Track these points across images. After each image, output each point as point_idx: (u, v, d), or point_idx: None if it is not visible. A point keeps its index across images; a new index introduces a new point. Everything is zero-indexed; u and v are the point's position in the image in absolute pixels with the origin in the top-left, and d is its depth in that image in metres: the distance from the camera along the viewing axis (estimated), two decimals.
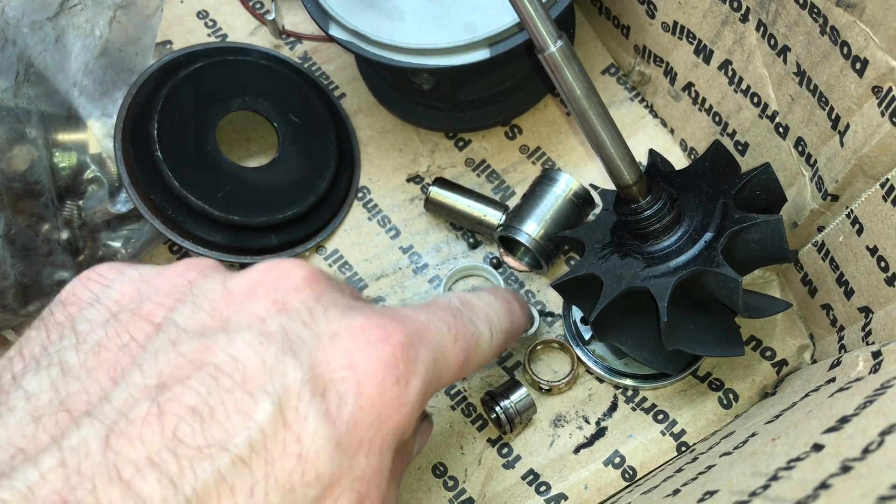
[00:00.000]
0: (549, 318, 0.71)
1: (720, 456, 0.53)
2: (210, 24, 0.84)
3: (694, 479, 0.51)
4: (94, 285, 0.40)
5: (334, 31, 0.68)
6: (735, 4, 0.61)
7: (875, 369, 0.49)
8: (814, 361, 0.66)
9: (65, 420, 0.33)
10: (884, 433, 0.35)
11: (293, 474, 0.33)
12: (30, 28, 0.62)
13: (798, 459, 0.40)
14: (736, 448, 0.52)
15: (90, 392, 0.34)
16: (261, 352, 0.35)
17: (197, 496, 0.31)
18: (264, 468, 0.33)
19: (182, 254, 0.75)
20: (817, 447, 0.40)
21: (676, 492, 0.51)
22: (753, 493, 0.40)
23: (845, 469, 0.34)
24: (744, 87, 0.64)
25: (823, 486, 0.34)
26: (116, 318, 0.37)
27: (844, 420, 0.41)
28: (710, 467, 0.52)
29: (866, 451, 0.35)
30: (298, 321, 0.37)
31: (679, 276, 0.56)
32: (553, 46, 0.52)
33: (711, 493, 0.45)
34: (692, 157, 0.74)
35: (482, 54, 0.65)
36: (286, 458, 0.33)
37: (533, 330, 0.69)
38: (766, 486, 0.39)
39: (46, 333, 0.38)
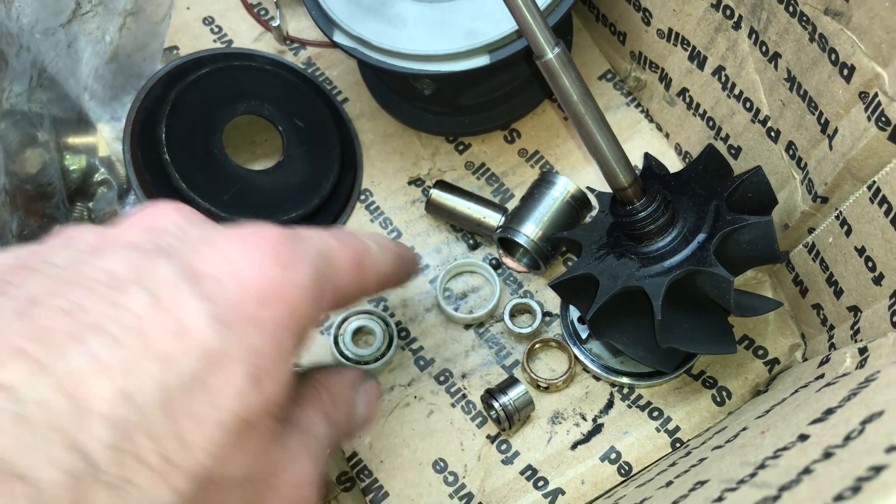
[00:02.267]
0: (548, 318, 0.73)
1: (712, 449, 0.55)
2: (216, 30, 0.85)
3: (686, 471, 0.53)
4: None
5: (338, 38, 0.69)
6: (728, 12, 0.63)
7: (861, 364, 0.50)
8: (805, 360, 0.68)
9: None
10: (864, 422, 0.37)
11: (171, 347, 0.33)
12: (43, 34, 0.64)
13: (784, 449, 0.42)
14: (727, 442, 0.54)
15: None
16: (132, 260, 0.35)
17: (70, 377, 0.31)
18: (140, 345, 0.33)
19: None
20: (803, 437, 0.41)
21: (669, 483, 0.52)
22: (741, 481, 0.41)
23: (827, 455, 0.36)
24: (736, 92, 0.66)
25: (806, 471, 0.36)
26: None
27: (829, 412, 0.43)
28: (701, 460, 0.53)
29: (847, 438, 0.36)
30: (170, 236, 0.38)
31: (673, 276, 0.58)
32: (550, 53, 0.53)
33: (702, 482, 0.46)
34: (686, 160, 0.76)
35: (482, 60, 0.67)
36: (163, 334, 0.33)
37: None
38: (753, 474, 0.41)
39: None
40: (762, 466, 0.42)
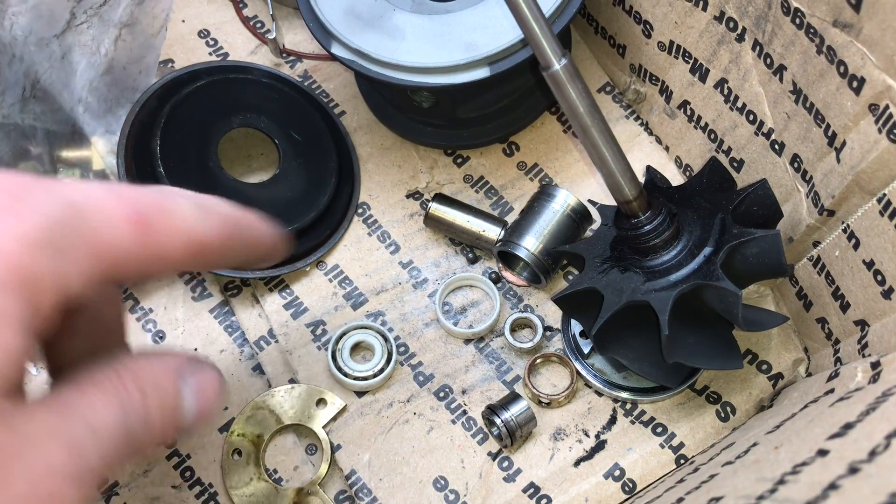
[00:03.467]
0: (549, 333, 0.72)
1: (722, 465, 0.54)
2: (211, 42, 0.84)
3: (697, 487, 0.52)
4: None
5: (336, 50, 0.69)
6: (731, 24, 0.63)
7: (874, 379, 0.50)
8: (809, 374, 0.67)
9: None
10: (890, 436, 0.36)
11: None
12: (37, 45, 0.63)
13: (804, 464, 0.41)
14: (738, 458, 0.53)
15: None
16: None
17: None
18: None
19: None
20: (822, 452, 0.41)
21: (680, 500, 0.51)
22: (760, 497, 0.40)
23: (853, 470, 0.35)
24: (739, 105, 0.66)
25: (832, 486, 0.35)
26: None
27: (848, 426, 0.42)
28: (712, 476, 0.53)
29: (873, 453, 0.36)
30: None
31: (679, 290, 0.57)
32: (557, 64, 0.53)
33: (717, 499, 0.45)
34: (687, 173, 0.76)
35: (482, 73, 0.66)
36: None
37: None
38: (773, 490, 0.40)
39: None
40: (781, 482, 0.41)
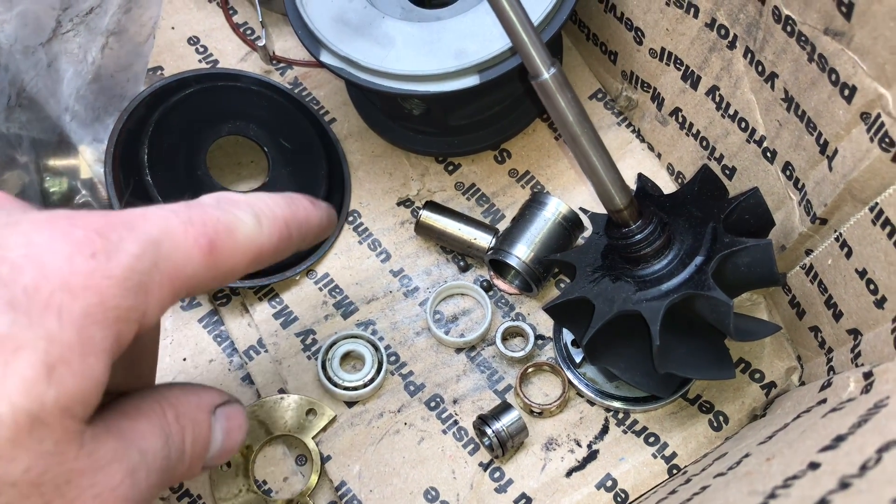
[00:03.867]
0: (540, 342, 0.71)
1: (714, 477, 0.53)
2: (201, 49, 0.84)
3: (689, 499, 0.52)
4: None
5: (325, 58, 0.68)
6: (722, 32, 0.63)
7: (867, 389, 0.49)
8: (802, 383, 0.67)
9: None
10: (881, 450, 0.36)
11: None
12: (22, 53, 0.62)
13: (795, 478, 0.40)
14: (730, 469, 0.53)
15: None
16: None
17: None
18: None
19: None
20: (813, 465, 0.40)
21: None
22: None
23: (844, 486, 0.35)
24: (731, 112, 0.65)
25: (823, 502, 0.34)
26: None
27: (840, 439, 0.42)
28: (704, 488, 0.52)
29: (864, 468, 0.35)
30: None
31: (671, 300, 0.57)
32: (546, 74, 0.52)
33: None
34: (679, 181, 0.75)
35: (472, 80, 0.66)
36: None
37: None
38: None
39: None
40: (773, 496, 0.40)
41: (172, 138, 0.72)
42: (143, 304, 0.36)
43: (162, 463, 0.39)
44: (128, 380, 0.44)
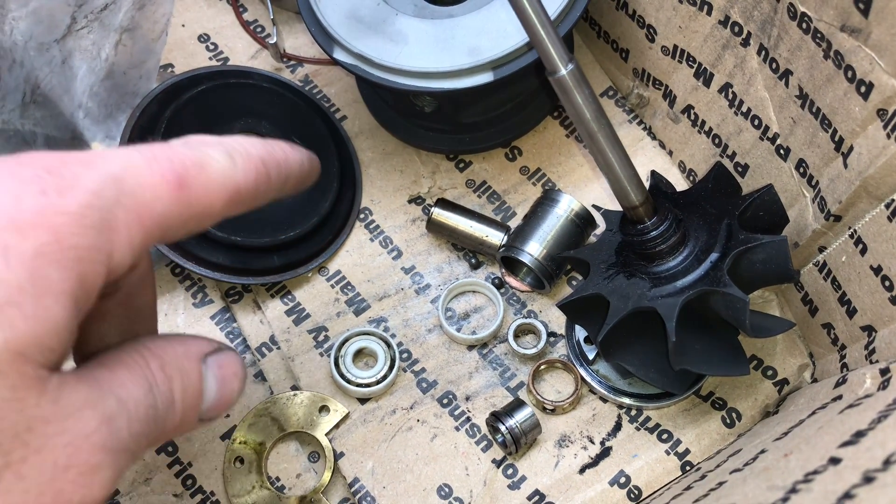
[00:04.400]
0: (552, 339, 0.71)
1: (730, 473, 0.54)
2: (211, 47, 0.84)
3: (705, 495, 0.52)
4: None
5: (338, 55, 0.68)
6: (736, 29, 0.63)
7: (884, 386, 0.49)
8: (814, 380, 0.67)
9: None
10: None
11: None
12: (37, 50, 0.62)
13: (815, 472, 0.40)
14: (746, 465, 0.53)
15: None
16: None
17: None
18: None
19: (184, 275, 0.75)
20: (834, 460, 0.40)
21: None
22: None
23: (868, 479, 0.35)
24: (744, 109, 0.65)
25: (847, 496, 0.35)
26: None
27: (860, 434, 0.42)
28: (721, 483, 0.52)
29: (888, 462, 0.35)
30: None
31: (686, 296, 0.57)
32: (564, 70, 0.52)
33: None
34: (691, 178, 0.75)
35: (485, 77, 0.66)
36: None
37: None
38: (785, 499, 0.40)
39: None
40: (794, 490, 0.40)
41: (185, 135, 0.71)
42: (107, 243, 0.34)
43: (147, 412, 0.36)
44: (124, 340, 0.41)
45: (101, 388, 0.35)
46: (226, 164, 0.39)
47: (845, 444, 0.42)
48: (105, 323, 0.41)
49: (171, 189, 0.36)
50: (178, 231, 0.37)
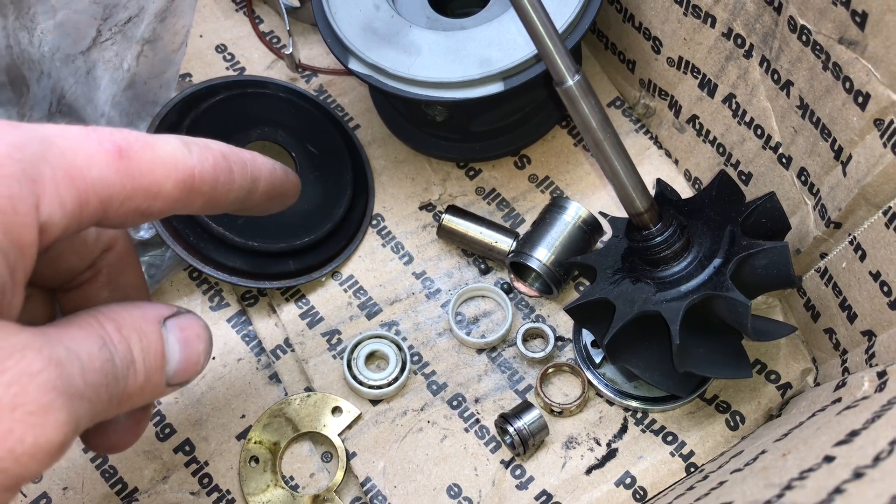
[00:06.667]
0: (560, 343, 0.73)
1: (731, 472, 0.55)
2: (228, 57, 0.86)
3: (706, 494, 0.53)
4: None
5: (354, 66, 0.70)
6: (739, 41, 0.64)
7: (881, 388, 0.51)
8: (817, 384, 0.68)
9: None
10: (893, 442, 0.37)
11: None
12: (63, 61, 0.64)
13: (810, 470, 0.42)
14: (746, 465, 0.54)
15: None
16: None
17: None
18: None
19: (202, 279, 0.77)
20: (828, 459, 0.42)
21: None
22: (768, 502, 0.42)
23: (858, 475, 0.36)
24: (747, 119, 0.67)
25: (837, 490, 0.36)
26: None
27: (854, 434, 0.43)
28: (721, 483, 0.54)
29: (877, 459, 0.37)
30: None
31: (690, 301, 0.58)
32: (571, 80, 0.54)
33: None
34: (696, 186, 0.77)
35: (496, 87, 0.68)
36: None
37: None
38: (780, 496, 0.42)
39: None
40: (789, 487, 0.42)
41: None
42: (30, 195, 0.33)
43: (104, 366, 0.35)
44: None
45: (46, 336, 0.34)
46: (177, 147, 0.39)
47: (840, 443, 0.43)
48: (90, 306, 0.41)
49: (108, 157, 0.36)
50: (122, 204, 0.37)
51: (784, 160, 0.65)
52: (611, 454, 0.68)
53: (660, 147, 0.80)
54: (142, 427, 0.46)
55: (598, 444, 0.69)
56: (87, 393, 0.34)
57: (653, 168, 0.79)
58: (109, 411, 0.36)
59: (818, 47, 0.56)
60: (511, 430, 0.67)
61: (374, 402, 0.72)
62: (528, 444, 0.67)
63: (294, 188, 0.49)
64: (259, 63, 0.86)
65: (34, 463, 0.32)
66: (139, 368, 0.38)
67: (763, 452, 0.55)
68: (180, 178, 0.38)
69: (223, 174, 0.41)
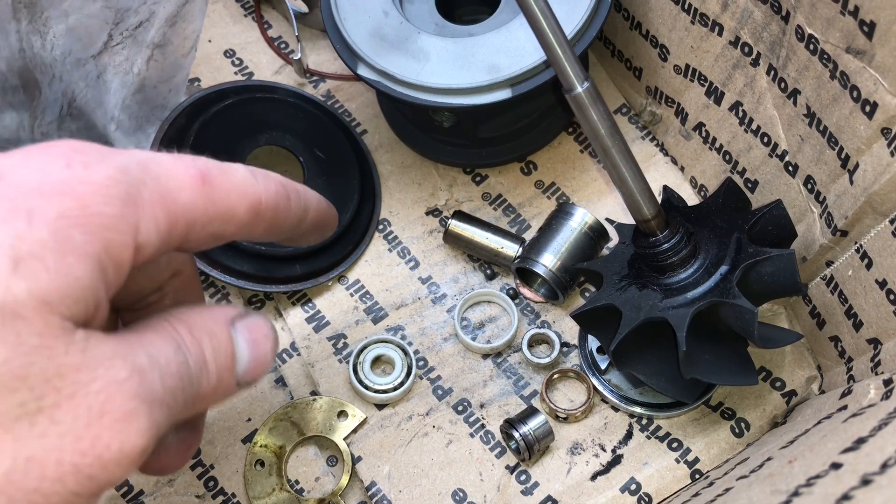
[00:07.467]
0: (566, 349, 0.73)
1: (737, 479, 0.55)
2: (237, 62, 0.87)
3: (712, 500, 0.53)
4: None
5: (362, 71, 0.71)
6: (746, 49, 0.65)
7: (887, 396, 0.51)
8: (822, 392, 0.69)
9: None
10: None
11: None
12: (74, 65, 0.65)
13: (817, 477, 0.42)
14: (752, 472, 0.54)
15: None
16: None
17: None
18: None
19: (209, 283, 0.77)
20: (836, 465, 0.42)
21: None
22: None
23: (865, 482, 0.37)
24: (754, 127, 0.67)
25: (845, 497, 0.36)
26: None
27: (861, 441, 0.43)
28: (727, 490, 0.54)
29: (885, 465, 0.37)
30: None
31: (696, 307, 0.58)
32: (580, 87, 0.55)
33: None
34: (702, 194, 0.77)
35: (504, 94, 0.68)
36: None
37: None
38: (787, 502, 0.42)
39: None
40: (796, 494, 0.42)
41: (212, 147, 0.73)
42: (132, 215, 0.35)
43: (179, 368, 0.37)
44: None
45: (129, 343, 0.35)
46: (247, 176, 0.41)
47: (847, 450, 0.43)
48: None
49: (194, 182, 0.38)
50: (202, 228, 0.39)
51: (791, 168, 0.65)
52: (616, 460, 0.69)
53: (666, 154, 0.80)
54: (192, 449, 0.47)
55: (604, 450, 0.69)
56: (165, 398, 0.36)
57: (659, 175, 0.79)
58: (185, 413, 0.38)
59: (826, 56, 0.56)
60: (516, 435, 0.67)
61: (380, 406, 0.72)
62: (534, 449, 0.67)
63: (335, 220, 0.52)
64: (267, 68, 0.87)
65: (119, 469, 0.34)
66: (211, 369, 0.39)
67: (769, 459, 0.55)
68: (250, 203, 0.40)
69: (283, 201, 0.43)
